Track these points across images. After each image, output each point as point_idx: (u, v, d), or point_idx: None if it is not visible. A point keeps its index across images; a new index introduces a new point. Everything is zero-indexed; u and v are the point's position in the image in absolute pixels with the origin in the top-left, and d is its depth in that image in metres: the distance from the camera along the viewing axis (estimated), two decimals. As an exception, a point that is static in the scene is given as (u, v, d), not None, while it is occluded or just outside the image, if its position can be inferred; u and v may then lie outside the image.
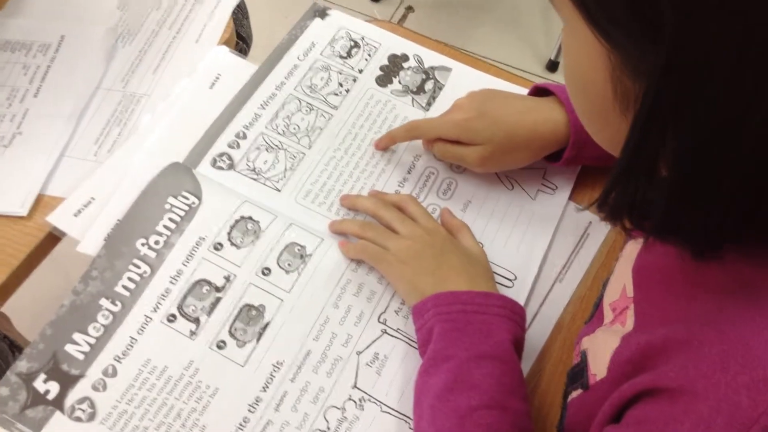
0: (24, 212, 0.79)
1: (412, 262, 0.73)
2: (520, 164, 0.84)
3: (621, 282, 0.66)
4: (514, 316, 0.69)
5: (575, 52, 0.50)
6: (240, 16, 1.19)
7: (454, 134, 0.80)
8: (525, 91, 0.88)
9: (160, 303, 0.72)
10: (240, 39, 1.17)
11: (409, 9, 2.31)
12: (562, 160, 0.81)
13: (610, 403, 0.53)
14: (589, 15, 0.44)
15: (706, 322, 0.47)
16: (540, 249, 0.81)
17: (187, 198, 0.77)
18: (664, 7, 0.38)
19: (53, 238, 0.80)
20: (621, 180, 0.45)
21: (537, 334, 0.77)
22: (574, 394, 0.66)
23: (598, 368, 0.61)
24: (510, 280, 0.79)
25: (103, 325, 0.70)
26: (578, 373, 0.67)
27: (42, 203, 0.80)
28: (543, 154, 0.82)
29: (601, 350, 0.62)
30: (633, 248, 0.66)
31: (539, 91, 0.85)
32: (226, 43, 0.96)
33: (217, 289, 0.73)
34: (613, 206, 0.47)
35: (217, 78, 0.91)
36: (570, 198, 0.85)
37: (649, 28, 0.39)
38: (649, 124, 0.41)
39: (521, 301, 0.76)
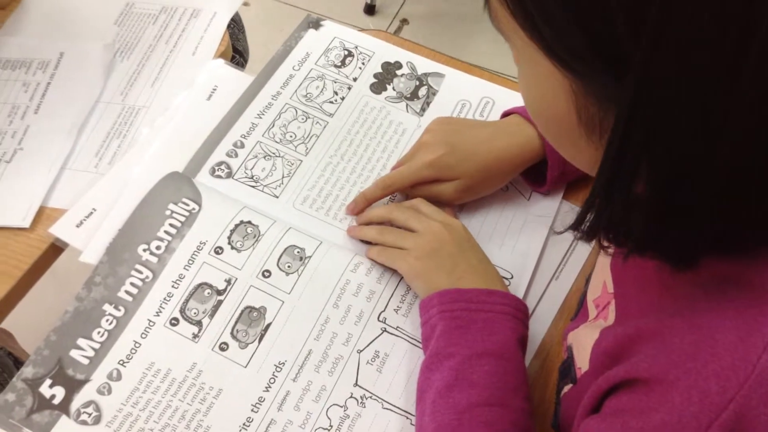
0: (26, 224, 0.80)
1: (428, 260, 0.73)
2: (492, 190, 0.84)
3: (601, 278, 0.67)
4: (518, 313, 0.70)
5: (533, 82, 0.50)
6: (236, 30, 1.21)
7: (430, 175, 0.80)
8: (517, 95, 0.89)
9: (162, 307, 0.73)
10: (236, 52, 1.19)
11: (404, 21, 2.34)
12: (547, 182, 0.82)
13: (589, 395, 0.53)
14: (547, 47, 0.44)
15: (677, 313, 0.48)
16: (536, 248, 0.83)
17: (187, 204, 0.79)
18: (628, 44, 0.38)
19: (56, 249, 0.81)
20: (597, 203, 0.46)
21: (534, 331, 0.77)
22: (566, 389, 0.67)
23: (583, 362, 0.62)
24: (507, 278, 0.80)
25: (107, 330, 0.72)
26: (567, 369, 0.68)
27: (44, 215, 0.82)
28: (514, 175, 0.83)
29: (583, 344, 0.63)
30: None
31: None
32: (222, 55, 0.98)
33: (219, 292, 0.74)
34: (589, 227, 0.48)
35: (214, 90, 0.92)
36: (563, 197, 0.86)
37: (613, 61, 0.40)
38: (622, 152, 0.42)
39: (518, 299, 0.77)
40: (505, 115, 0.86)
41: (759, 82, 0.37)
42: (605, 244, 0.49)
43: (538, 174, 0.84)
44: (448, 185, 0.81)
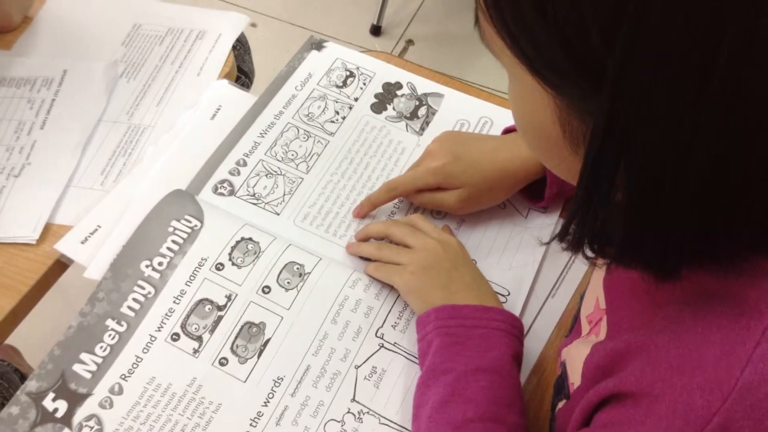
0: (36, 236, 0.82)
1: (423, 275, 0.75)
2: (494, 203, 0.86)
3: (594, 295, 0.68)
4: (514, 330, 0.71)
5: (521, 98, 0.51)
6: (242, 51, 1.23)
7: (435, 182, 0.82)
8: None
9: (164, 322, 0.74)
10: (242, 73, 1.21)
11: (410, 42, 2.36)
12: (545, 198, 0.84)
13: (580, 409, 0.54)
14: (531, 65, 0.45)
15: (665, 328, 0.49)
16: (532, 265, 0.84)
17: (189, 221, 0.80)
18: (603, 58, 0.39)
19: (61, 265, 0.83)
20: (579, 213, 0.47)
21: (530, 348, 0.78)
22: (560, 404, 0.68)
23: (575, 377, 0.63)
24: (504, 295, 0.81)
25: (109, 345, 0.73)
26: (561, 384, 0.68)
27: (50, 231, 0.83)
28: (516, 189, 0.85)
29: (576, 360, 0.63)
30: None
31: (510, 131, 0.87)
32: (227, 76, 1.00)
33: (219, 308, 0.75)
34: (574, 238, 0.49)
35: (218, 109, 0.94)
36: (560, 215, 0.88)
37: (590, 75, 0.41)
38: (599, 161, 0.43)
39: (514, 316, 0.78)
40: (506, 131, 0.87)
41: (727, 93, 0.38)
42: (591, 255, 0.50)
43: (535, 192, 0.85)
44: (451, 194, 0.82)
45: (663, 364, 0.46)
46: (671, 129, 0.40)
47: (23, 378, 1.12)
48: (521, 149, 0.82)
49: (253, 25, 2.35)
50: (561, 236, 0.50)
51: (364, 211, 0.85)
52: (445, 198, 0.83)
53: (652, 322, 0.52)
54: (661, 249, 0.45)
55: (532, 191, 0.86)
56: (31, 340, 1.22)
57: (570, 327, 0.76)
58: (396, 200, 0.87)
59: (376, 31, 2.38)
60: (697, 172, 0.41)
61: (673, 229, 0.44)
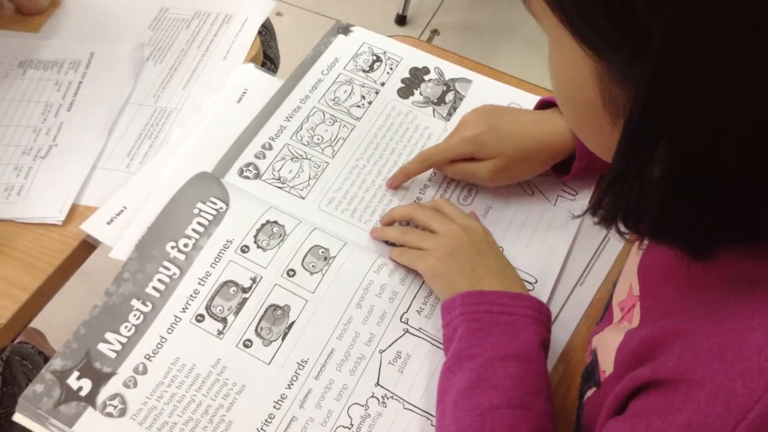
0: (62, 217, 0.82)
1: (448, 260, 0.74)
2: (528, 176, 0.85)
3: (627, 281, 0.66)
4: (541, 316, 0.70)
5: (561, 64, 0.50)
6: (268, 37, 1.23)
7: (468, 151, 0.82)
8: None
9: (188, 303, 0.74)
10: (267, 59, 1.21)
11: (435, 32, 2.35)
12: (572, 172, 0.83)
13: (614, 396, 0.53)
14: (573, 27, 0.44)
15: (704, 314, 0.48)
16: (560, 253, 0.83)
17: (215, 203, 0.80)
18: (647, 22, 0.39)
19: (88, 246, 0.83)
20: (614, 185, 0.46)
21: (558, 337, 0.77)
22: (589, 393, 0.67)
23: (607, 365, 0.62)
24: (531, 283, 0.80)
25: (134, 325, 0.73)
26: (591, 372, 0.67)
27: (77, 213, 0.83)
28: (550, 164, 0.84)
29: (608, 347, 0.62)
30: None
31: (543, 106, 0.87)
32: (253, 60, 1.00)
33: (244, 290, 0.75)
34: (607, 211, 0.48)
35: (244, 93, 0.94)
36: (589, 202, 0.86)
37: (633, 39, 0.40)
38: (640, 131, 0.42)
39: (542, 304, 0.77)
40: (539, 105, 0.87)
41: None
42: (624, 230, 0.49)
43: (562, 167, 0.85)
44: (484, 164, 0.82)
45: (703, 350, 0.45)
46: (714, 103, 0.39)
47: (47, 360, 1.13)
48: (559, 124, 0.81)
49: (279, 14, 2.35)
50: (594, 209, 0.49)
51: (397, 182, 0.85)
52: (477, 168, 0.82)
53: (690, 308, 0.51)
54: (696, 223, 0.45)
55: (559, 166, 0.85)
56: (54, 323, 1.23)
57: (601, 315, 0.75)
58: (429, 172, 0.87)
59: (401, 20, 2.37)
60: (738, 144, 0.40)
61: (708, 206, 0.43)
